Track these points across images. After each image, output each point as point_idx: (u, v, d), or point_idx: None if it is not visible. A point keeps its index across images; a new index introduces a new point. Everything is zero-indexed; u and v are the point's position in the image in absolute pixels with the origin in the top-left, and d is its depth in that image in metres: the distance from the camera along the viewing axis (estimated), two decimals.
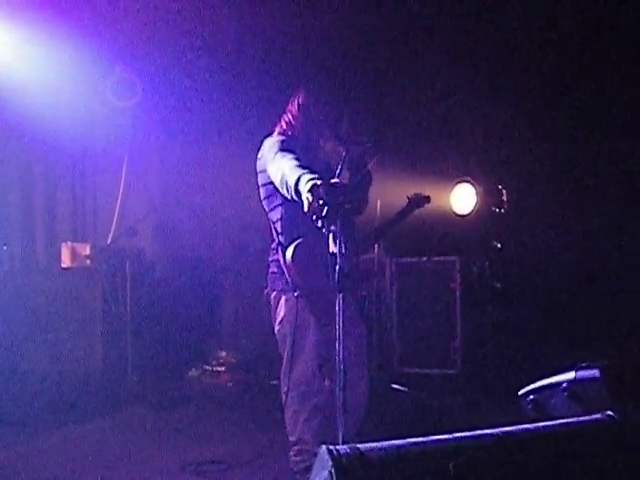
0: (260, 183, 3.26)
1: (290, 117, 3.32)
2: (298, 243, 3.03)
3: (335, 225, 2.59)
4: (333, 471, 1.80)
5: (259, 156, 3.24)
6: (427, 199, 3.91)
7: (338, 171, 2.84)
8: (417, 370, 5.87)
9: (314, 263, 2.96)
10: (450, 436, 1.99)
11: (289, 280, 3.06)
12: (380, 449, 1.90)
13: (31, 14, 5.13)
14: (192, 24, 5.73)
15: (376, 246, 4.95)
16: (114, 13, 5.49)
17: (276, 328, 3.22)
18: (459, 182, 6.05)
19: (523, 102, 5.81)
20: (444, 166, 6.19)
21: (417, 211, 3.86)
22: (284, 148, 3.06)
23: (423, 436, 1.99)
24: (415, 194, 3.87)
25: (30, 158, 6.16)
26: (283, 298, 3.16)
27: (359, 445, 1.89)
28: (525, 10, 5.45)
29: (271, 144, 3.16)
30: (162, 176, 6.85)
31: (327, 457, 1.83)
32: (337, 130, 3.26)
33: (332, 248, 2.65)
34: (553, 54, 5.58)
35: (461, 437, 2.00)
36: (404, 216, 3.83)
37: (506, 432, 2.07)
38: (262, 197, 3.27)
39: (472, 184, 5.99)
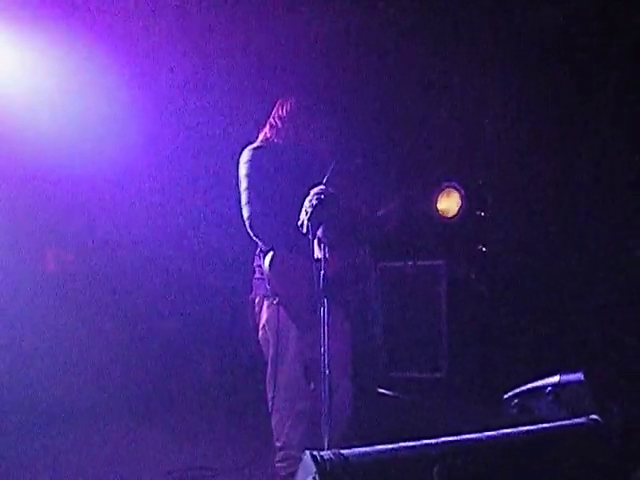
0: (241, 189, 3.24)
1: (277, 123, 3.32)
2: (276, 251, 3.01)
3: (320, 230, 2.59)
4: (317, 477, 1.79)
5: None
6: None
7: (325, 179, 2.83)
8: (403, 374, 5.86)
9: (294, 270, 2.94)
10: (434, 441, 1.99)
11: (268, 288, 3.05)
12: (364, 454, 1.89)
13: (25, 17, 5.08)
14: (185, 29, 5.70)
15: (361, 250, 4.92)
16: (109, 17, 5.44)
17: (259, 333, 3.22)
18: (444, 186, 6.05)
19: (508, 105, 5.82)
20: (429, 170, 6.18)
21: (402, 215, 3.76)
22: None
23: (409, 440, 1.98)
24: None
25: (16, 162, 6.09)
26: (266, 303, 3.16)
27: (343, 450, 1.88)
28: (513, 13, 5.46)
29: (243, 163, 3.21)
30: (153, 180, 6.77)
31: (311, 463, 1.82)
32: (325, 138, 3.28)
33: (317, 254, 2.64)
34: (541, 54, 5.59)
35: (445, 442, 2.00)
36: (393, 213, 3.64)
37: (491, 436, 2.07)
38: (243, 202, 3.22)
39: (457, 188, 5.99)
